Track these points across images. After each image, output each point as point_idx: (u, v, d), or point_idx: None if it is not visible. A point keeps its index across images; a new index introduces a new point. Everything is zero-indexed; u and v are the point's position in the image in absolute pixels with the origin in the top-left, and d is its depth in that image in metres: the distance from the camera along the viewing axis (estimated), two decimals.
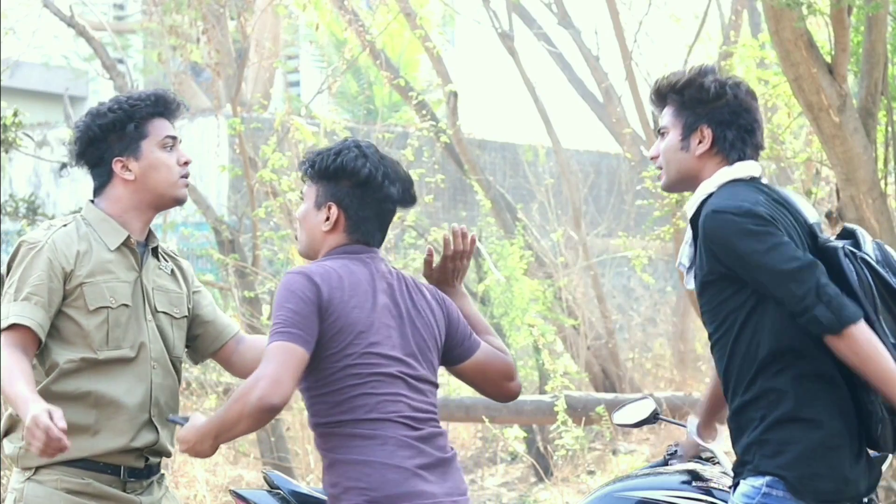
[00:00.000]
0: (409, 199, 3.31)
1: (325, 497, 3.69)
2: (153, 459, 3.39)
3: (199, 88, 16.17)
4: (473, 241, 3.50)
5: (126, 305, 3.32)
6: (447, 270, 3.47)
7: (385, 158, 3.29)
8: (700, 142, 3.20)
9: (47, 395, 3.21)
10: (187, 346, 3.58)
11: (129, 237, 3.35)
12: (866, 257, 3.07)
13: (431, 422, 3.12)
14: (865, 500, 3.22)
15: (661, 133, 3.29)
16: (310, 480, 7.98)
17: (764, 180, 3.25)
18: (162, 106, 3.39)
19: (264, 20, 10.93)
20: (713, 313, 3.16)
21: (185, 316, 3.48)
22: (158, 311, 3.40)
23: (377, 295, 3.13)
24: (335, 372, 3.08)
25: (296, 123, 8.56)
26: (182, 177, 3.40)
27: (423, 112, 10.67)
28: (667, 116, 3.27)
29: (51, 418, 2.96)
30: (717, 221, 3.07)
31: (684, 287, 3.29)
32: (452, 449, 3.17)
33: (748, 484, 3.10)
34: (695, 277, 3.19)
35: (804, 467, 3.02)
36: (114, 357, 3.30)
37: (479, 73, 17.45)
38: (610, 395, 9.02)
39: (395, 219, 10.92)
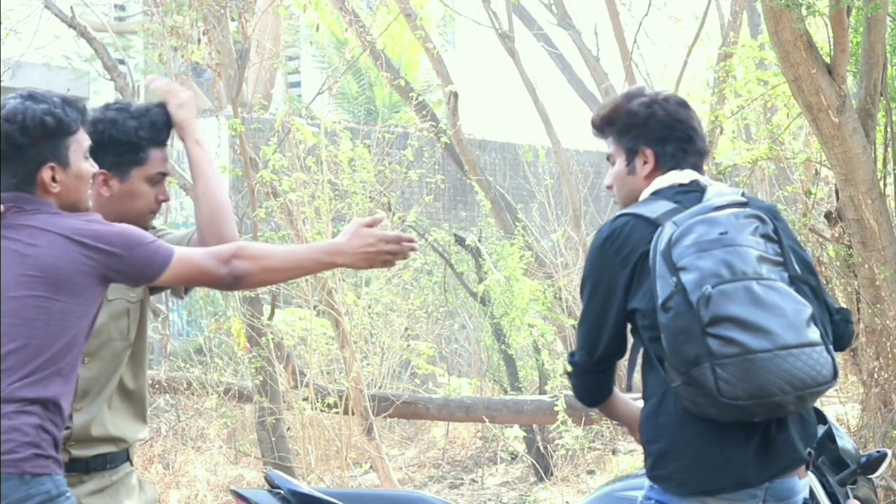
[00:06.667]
0: None
1: (326, 497, 3.71)
2: (77, 452, 3.29)
3: (200, 89, 16.19)
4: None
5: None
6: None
7: None
8: (645, 163, 3.29)
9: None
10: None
11: None
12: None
13: None
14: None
15: (609, 161, 3.41)
16: (310, 480, 8.00)
17: (704, 181, 3.26)
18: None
19: (265, 21, 10.92)
20: None
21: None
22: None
23: None
24: None
25: (297, 124, 8.57)
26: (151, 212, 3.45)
27: (424, 113, 10.68)
28: (611, 146, 3.38)
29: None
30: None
31: None
32: None
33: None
34: None
35: (668, 464, 3.05)
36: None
37: (479, 73, 17.47)
38: None
39: (395, 219, 10.80)
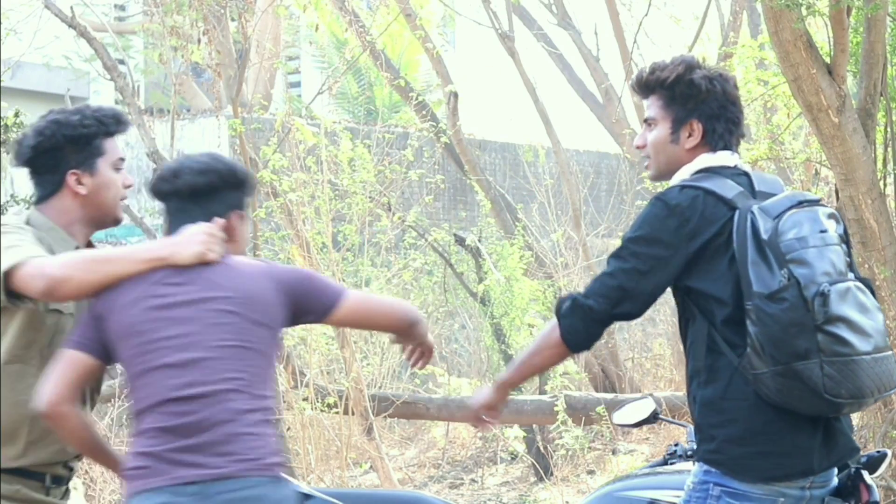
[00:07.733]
0: None
1: (327, 497, 3.71)
2: (75, 463, 3.37)
3: (200, 89, 16.19)
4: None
5: (72, 314, 3.31)
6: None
7: None
8: (690, 135, 3.24)
9: (6, 399, 3.19)
10: None
11: (77, 248, 3.33)
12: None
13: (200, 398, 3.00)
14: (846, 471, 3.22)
15: (647, 122, 3.33)
16: (310, 480, 8.00)
17: (745, 167, 3.27)
18: (122, 126, 3.44)
19: (265, 21, 10.93)
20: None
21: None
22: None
23: None
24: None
25: (297, 124, 8.58)
26: (122, 199, 3.47)
27: (424, 113, 10.69)
28: (654, 108, 3.30)
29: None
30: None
31: None
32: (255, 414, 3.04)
33: (696, 467, 3.16)
34: None
35: (734, 449, 3.05)
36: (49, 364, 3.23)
37: (479, 73, 17.46)
38: (610, 395, 9.05)
39: (395, 219, 10.77)
